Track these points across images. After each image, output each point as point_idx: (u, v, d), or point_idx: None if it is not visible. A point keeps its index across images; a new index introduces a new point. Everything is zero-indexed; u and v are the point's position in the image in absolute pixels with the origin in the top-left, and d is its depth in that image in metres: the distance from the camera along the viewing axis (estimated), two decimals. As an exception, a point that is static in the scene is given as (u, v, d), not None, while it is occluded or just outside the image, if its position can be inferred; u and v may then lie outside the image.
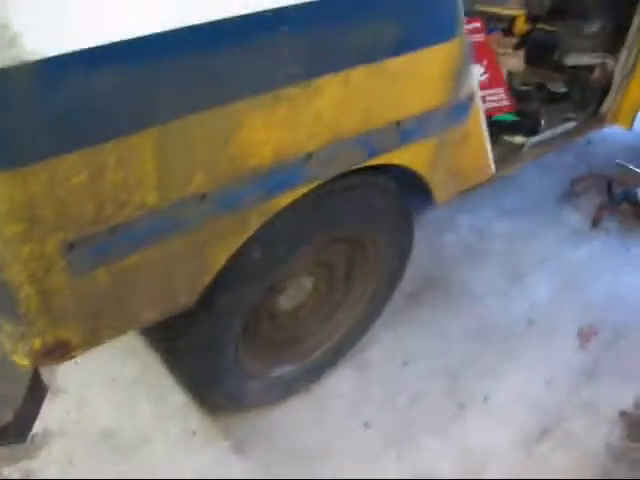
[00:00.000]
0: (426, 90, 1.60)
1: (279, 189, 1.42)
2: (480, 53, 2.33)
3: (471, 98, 1.74)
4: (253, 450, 1.93)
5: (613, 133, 3.05)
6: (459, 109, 1.73)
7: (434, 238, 2.78)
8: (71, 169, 1.05)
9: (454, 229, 2.85)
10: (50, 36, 0.95)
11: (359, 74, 1.39)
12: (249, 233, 1.44)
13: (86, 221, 1.13)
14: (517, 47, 2.79)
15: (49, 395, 1.54)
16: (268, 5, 1.17)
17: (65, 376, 2.04)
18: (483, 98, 2.25)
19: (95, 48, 0.98)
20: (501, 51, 2.68)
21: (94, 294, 1.24)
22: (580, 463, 1.98)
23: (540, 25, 2.85)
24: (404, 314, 2.39)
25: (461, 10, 1.54)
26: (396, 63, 1.45)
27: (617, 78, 2.55)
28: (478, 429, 2.05)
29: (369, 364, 2.21)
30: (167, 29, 1.06)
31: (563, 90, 2.69)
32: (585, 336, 2.39)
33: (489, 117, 2.25)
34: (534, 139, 2.39)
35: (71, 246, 1.13)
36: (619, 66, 2.53)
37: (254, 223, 1.43)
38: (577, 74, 2.73)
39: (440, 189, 1.89)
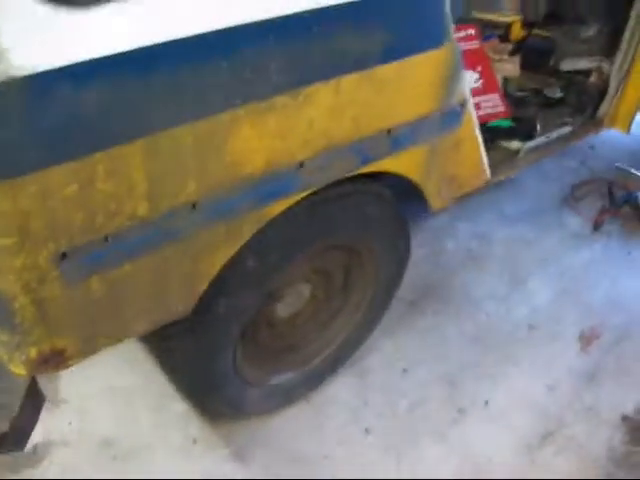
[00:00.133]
0: (416, 97, 1.61)
1: (271, 197, 1.44)
2: (475, 60, 2.35)
3: (463, 104, 1.75)
4: (254, 457, 1.94)
5: (613, 137, 3.05)
6: (451, 116, 1.74)
7: (434, 245, 2.78)
8: (61, 180, 1.07)
9: (454, 235, 2.85)
10: (37, 52, 0.97)
11: (349, 82, 1.40)
12: (242, 241, 1.45)
13: (78, 231, 1.15)
14: (513, 53, 2.80)
15: (50, 405, 1.55)
16: (256, 16, 1.19)
17: (66, 386, 2.06)
18: (478, 104, 2.27)
19: (82, 63, 1.00)
20: (497, 57, 2.70)
21: (88, 303, 1.26)
22: (582, 468, 1.97)
23: (536, 31, 2.87)
24: (404, 321, 2.39)
25: (449, 17, 1.55)
26: (385, 70, 1.46)
27: (613, 82, 2.55)
28: (479, 434, 2.04)
29: (369, 371, 2.22)
30: (154, 42, 1.08)
31: (559, 95, 2.70)
32: (586, 340, 2.38)
33: (485, 124, 2.26)
34: (530, 144, 2.40)
35: (64, 256, 1.15)
36: (615, 70, 2.54)
37: (247, 231, 1.44)
38: (573, 79, 2.75)
39: (435, 196, 1.89)
